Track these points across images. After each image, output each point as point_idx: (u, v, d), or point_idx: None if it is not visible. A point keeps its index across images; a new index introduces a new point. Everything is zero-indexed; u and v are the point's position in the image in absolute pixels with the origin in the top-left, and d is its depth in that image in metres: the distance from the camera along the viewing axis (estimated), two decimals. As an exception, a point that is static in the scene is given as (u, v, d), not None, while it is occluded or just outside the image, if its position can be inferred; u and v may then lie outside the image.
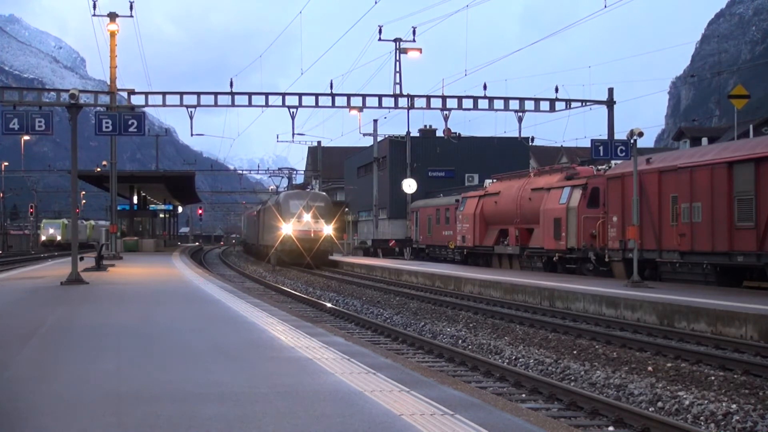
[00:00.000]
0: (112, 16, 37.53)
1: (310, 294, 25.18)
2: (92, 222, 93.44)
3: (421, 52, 38.84)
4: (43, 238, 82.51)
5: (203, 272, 27.51)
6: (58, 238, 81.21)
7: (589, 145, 24.03)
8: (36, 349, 9.06)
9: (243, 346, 9.40)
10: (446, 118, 38.30)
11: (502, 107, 37.84)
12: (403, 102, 37.97)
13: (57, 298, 15.61)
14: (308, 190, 50.28)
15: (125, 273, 24.44)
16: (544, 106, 38.03)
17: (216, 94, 37.62)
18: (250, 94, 37.91)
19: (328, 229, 41.88)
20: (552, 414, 8.62)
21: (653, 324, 15.87)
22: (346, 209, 60.11)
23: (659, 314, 16.09)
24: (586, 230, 26.25)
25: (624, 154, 22.20)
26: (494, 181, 36.70)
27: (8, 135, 21.25)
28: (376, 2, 30.97)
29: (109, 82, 37.70)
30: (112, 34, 37.64)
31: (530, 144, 54.01)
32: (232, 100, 37.36)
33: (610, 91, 37.62)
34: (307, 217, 41.46)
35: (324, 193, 47.73)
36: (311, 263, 39.69)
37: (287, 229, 41.14)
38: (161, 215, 65.21)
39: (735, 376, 10.71)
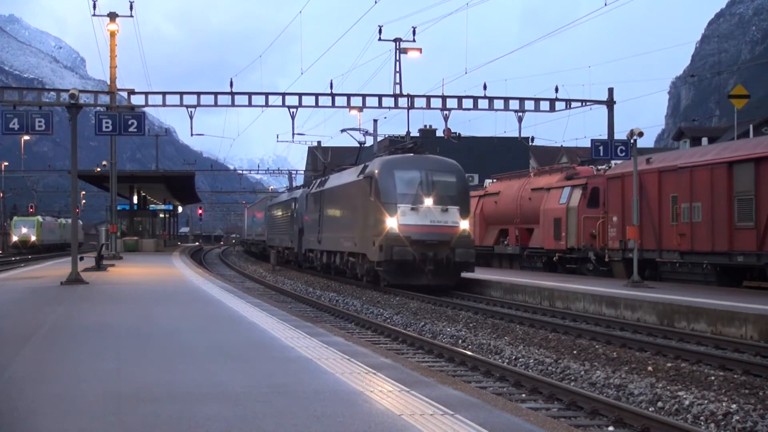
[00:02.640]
0: (112, 16, 37.54)
1: (310, 294, 25.16)
2: (62, 221, 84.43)
3: (421, 52, 38.81)
4: (15, 238, 71.55)
5: (203, 272, 27.51)
6: (33, 238, 71.61)
7: (589, 145, 24.04)
8: (36, 349, 9.05)
9: (243, 345, 9.40)
10: (446, 118, 38.31)
11: (502, 107, 37.86)
12: (403, 102, 37.97)
13: (57, 298, 15.61)
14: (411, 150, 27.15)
15: (125, 273, 24.44)
16: (544, 106, 38.05)
17: (216, 94, 37.63)
18: (250, 94, 37.92)
19: (465, 224, 24.33)
20: (552, 414, 8.62)
21: (653, 324, 15.86)
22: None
23: (659, 314, 16.09)
24: (586, 230, 26.26)
25: (624, 154, 22.21)
26: (494, 181, 36.71)
27: (8, 135, 21.27)
28: (376, 2, 30.99)
29: (109, 82, 37.71)
30: (112, 34, 37.65)
31: (530, 144, 54.04)
32: (232, 100, 37.38)
33: (610, 91, 37.64)
34: (429, 200, 24.03)
35: (452, 161, 26.17)
36: (433, 283, 23.83)
37: (392, 222, 23.77)
38: (161, 215, 65.07)
39: (735, 376, 10.70)
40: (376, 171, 25.03)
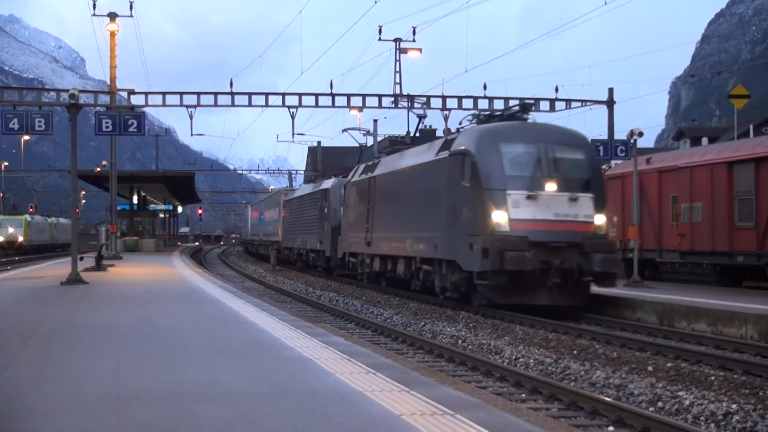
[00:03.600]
0: (112, 16, 37.58)
1: (310, 294, 25.16)
2: (53, 220, 79.63)
3: (421, 52, 38.82)
4: (1, 239, 65.33)
5: (203, 272, 27.51)
6: (20, 238, 65.91)
7: (589, 145, 24.01)
8: (36, 349, 9.05)
9: (243, 345, 9.39)
10: (446, 118, 38.30)
11: (502, 107, 37.84)
12: (403, 102, 37.97)
13: (57, 298, 15.61)
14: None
15: (125, 273, 24.44)
16: (544, 106, 38.05)
17: (216, 94, 37.61)
18: (250, 94, 37.89)
19: (600, 218, 17.68)
20: (552, 414, 8.61)
21: (653, 324, 15.86)
22: None
23: (659, 314, 16.09)
24: (586, 230, 26.22)
25: (624, 154, 22.21)
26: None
27: (8, 135, 21.29)
28: (376, 2, 31.00)
29: (109, 82, 37.73)
30: (112, 34, 37.67)
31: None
32: (232, 100, 37.36)
33: (610, 91, 37.63)
34: (551, 186, 17.36)
35: (578, 132, 19.36)
36: (560, 303, 17.26)
37: (500, 216, 17.16)
38: (161, 215, 65.06)
39: (735, 376, 10.70)
40: (472, 145, 18.13)
